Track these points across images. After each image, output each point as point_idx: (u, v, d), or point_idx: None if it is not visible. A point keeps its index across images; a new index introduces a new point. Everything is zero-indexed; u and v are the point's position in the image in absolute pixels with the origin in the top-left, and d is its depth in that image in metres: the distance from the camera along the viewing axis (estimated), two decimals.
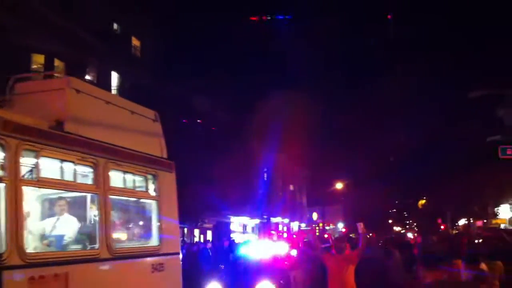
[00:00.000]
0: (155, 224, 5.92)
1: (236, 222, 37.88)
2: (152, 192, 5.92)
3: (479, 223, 37.42)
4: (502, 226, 32.14)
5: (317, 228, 45.93)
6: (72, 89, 4.79)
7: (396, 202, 62.44)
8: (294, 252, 14.36)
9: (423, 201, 50.64)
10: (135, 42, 27.91)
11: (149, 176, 5.87)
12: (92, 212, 4.98)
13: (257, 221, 42.94)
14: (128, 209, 5.83)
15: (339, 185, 48.38)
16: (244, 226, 40.47)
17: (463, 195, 33.23)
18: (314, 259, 10.64)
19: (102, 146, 4.98)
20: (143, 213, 6.01)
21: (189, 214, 28.71)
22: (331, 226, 53.37)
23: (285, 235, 41.96)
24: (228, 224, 35.51)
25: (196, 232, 32.18)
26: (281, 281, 10.08)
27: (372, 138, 46.96)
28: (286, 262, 11.71)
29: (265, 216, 43.68)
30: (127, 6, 25.48)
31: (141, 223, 6.01)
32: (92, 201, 5.01)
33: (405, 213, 63.85)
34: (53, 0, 19.62)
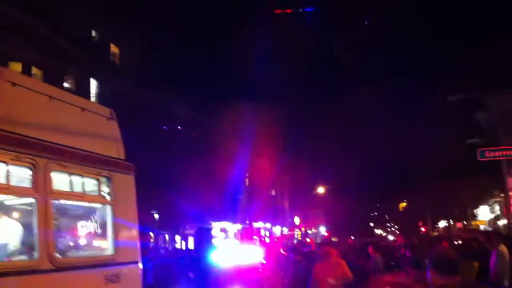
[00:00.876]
0: (109, 230, 5.42)
1: (218, 228, 37.40)
2: (105, 196, 5.44)
3: (459, 225, 37.74)
4: (482, 227, 32.37)
5: (299, 232, 45.73)
6: (7, 82, 4.31)
7: (377, 205, 62.71)
8: (273, 257, 13.91)
9: (404, 204, 50.96)
10: (114, 49, 27.59)
11: (102, 179, 5.38)
12: (31, 219, 4.48)
13: (239, 226, 42.50)
14: (76, 215, 5.33)
15: (320, 190, 48.29)
16: (226, 232, 39.99)
17: (442, 198, 33.41)
18: (294, 263, 10.27)
19: (42, 145, 4.48)
20: (95, 219, 5.51)
21: (169, 221, 28.20)
22: (313, 230, 53.27)
23: (267, 239, 41.59)
24: (210, 230, 35.06)
25: (178, 238, 31.62)
26: None
27: (352, 143, 47.04)
28: (260, 269, 11.29)
29: (247, 221, 43.36)
30: (106, 13, 25.05)
31: (92, 230, 5.50)
32: (31, 206, 4.51)
33: (386, 216, 64.17)
34: (30, 7, 19.08)
